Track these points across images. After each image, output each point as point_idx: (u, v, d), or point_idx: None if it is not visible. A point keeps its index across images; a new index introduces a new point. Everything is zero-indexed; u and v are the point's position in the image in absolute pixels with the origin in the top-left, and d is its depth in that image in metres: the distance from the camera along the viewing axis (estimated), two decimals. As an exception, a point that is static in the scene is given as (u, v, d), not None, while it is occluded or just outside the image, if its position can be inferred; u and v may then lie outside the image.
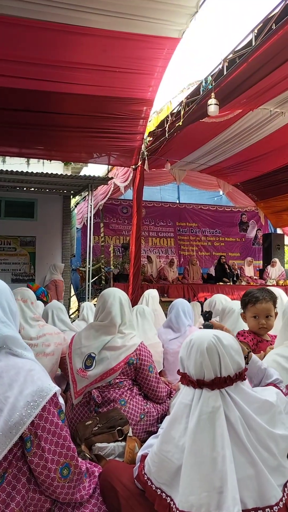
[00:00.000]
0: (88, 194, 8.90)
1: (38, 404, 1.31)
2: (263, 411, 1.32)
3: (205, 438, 1.22)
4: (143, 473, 1.40)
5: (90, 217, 8.72)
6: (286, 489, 1.26)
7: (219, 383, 1.27)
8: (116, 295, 2.70)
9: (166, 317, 3.97)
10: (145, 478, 1.38)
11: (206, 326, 1.63)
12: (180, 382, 1.40)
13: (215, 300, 4.01)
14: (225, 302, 3.71)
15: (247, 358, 1.58)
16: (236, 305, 2.93)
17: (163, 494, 1.31)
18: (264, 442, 1.26)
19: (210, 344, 1.29)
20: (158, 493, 1.32)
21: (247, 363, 1.57)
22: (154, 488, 1.34)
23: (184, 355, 1.35)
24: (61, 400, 1.42)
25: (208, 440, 1.22)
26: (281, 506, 1.22)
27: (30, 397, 1.31)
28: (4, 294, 1.50)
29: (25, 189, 8.95)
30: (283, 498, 1.24)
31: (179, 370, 1.39)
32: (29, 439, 1.31)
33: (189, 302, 6.02)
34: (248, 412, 1.27)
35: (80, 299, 10.20)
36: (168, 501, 1.29)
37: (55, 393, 1.38)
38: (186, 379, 1.34)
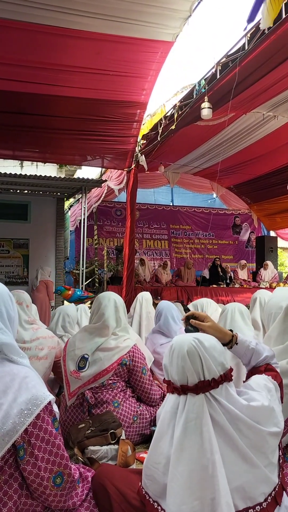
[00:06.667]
0: (81, 197, 8.88)
1: (32, 412, 1.30)
2: (261, 418, 1.30)
3: (193, 445, 1.20)
4: (141, 487, 1.38)
5: (84, 219, 8.69)
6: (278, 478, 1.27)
7: (203, 386, 1.25)
8: (111, 298, 2.72)
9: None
10: (143, 492, 1.36)
11: (188, 331, 1.56)
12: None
13: (203, 303, 4.02)
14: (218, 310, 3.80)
15: (231, 342, 1.56)
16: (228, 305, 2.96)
17: (159, 507, 1.29)
18: (255, 443, 1.26)
19: (191, 347, 1.27)
20: (155, 506, 1.30)
21: (236, 343, 1.56)
22: (151, 502, 1.32)
23: (167, 361, 1.33)
24: (55, 408, 1.40)
25: (197, 447, 1.19)
26: (270, 501, 1.24)
27: (24, 405, 1.30)
28: (3, 299, 1.46)
29: (18, 191, 8.92)
30: (273, 493, 1.24)
31: (164, 378, 1.36)
32: (22, 447, 1.30)
33: (182, 304, 6.01)
34: (236, 414, 1.25)
35: (74, 301, 10.15)
36: None
37: (50, 401, 1.36)
38: (170, 387, 1.31)
